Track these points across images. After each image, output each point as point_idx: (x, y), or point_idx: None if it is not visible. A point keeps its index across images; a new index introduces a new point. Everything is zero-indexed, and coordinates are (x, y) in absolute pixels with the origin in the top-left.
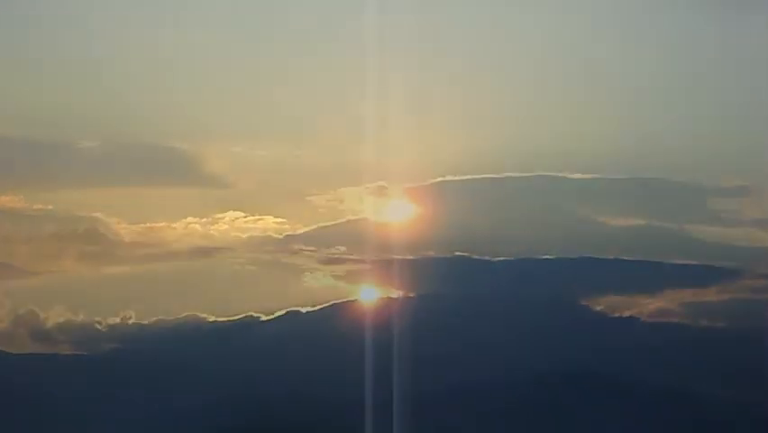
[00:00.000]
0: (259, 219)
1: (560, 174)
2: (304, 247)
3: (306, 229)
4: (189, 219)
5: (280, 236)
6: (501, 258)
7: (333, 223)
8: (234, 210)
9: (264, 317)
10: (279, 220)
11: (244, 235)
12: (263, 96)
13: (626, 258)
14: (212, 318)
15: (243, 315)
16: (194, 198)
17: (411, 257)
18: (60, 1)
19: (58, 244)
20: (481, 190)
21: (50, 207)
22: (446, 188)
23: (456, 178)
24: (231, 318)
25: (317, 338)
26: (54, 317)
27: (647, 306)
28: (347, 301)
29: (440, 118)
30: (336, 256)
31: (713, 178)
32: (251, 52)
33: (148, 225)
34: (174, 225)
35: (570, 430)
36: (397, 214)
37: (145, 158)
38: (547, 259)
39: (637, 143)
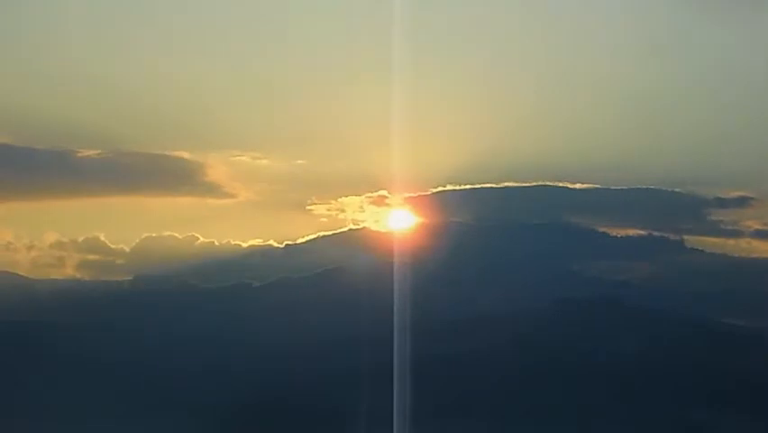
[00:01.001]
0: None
1: (560, 184)
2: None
3: (307, 238)
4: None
5: (281, 245)
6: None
7: (333, 232)
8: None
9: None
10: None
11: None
12: (265, 105)
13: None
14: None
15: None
16: (194, 208)
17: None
18: (60, 6)
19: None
20: (482, 200)
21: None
22: (447, 197)
23: (457, 187)
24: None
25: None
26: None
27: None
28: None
29: (441, 128)
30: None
31: (714, 188)
32: (253, 62)
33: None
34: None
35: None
36: (398, 223)
37: (145, 167)
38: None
39: (639, 153)
